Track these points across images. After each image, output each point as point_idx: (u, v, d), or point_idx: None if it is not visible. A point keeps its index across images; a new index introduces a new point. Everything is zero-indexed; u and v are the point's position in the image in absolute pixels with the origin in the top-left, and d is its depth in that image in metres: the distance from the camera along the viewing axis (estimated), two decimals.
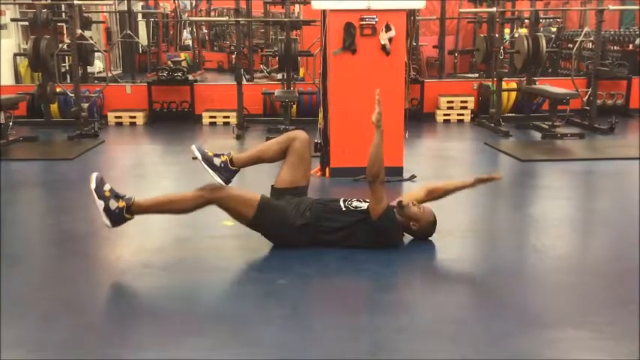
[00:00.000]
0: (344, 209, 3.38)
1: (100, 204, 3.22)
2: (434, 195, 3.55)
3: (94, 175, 3.28)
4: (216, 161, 3.46)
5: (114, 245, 3.49)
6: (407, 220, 3.39)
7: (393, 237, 3.37)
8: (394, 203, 3.40)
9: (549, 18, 10.64)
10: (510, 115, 7.79)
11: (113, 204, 3.22)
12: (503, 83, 7.45)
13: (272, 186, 3.53)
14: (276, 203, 3.38)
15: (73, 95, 7.08)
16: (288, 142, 3.50)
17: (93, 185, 3.25)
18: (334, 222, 3.33)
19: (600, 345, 2.39)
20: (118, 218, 3.23)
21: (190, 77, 8.56)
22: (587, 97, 7.34)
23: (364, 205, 3.39)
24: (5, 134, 6.32)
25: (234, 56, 8.46)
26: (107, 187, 3.27)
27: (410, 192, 3.51)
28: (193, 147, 3.52)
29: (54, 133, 7.18)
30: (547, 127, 6.90)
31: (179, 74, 8.24)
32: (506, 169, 5.63)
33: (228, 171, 3.47)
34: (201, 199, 3.24)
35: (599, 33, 7.37)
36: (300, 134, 3.54)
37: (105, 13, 11.65)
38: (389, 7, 4.82)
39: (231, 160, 3.49)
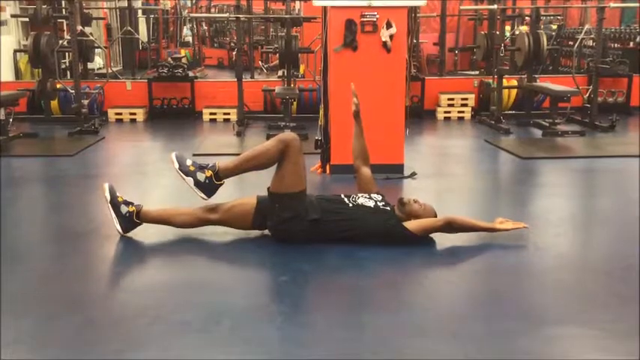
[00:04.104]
0: (350, 205, 3.40)
1: (190, 180, 3.31)
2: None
3: (174, 155, 3.36)
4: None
5: (114, 242, 3.48)
6: (408, 217, 3.39)
7: (395, 240, 3.37)
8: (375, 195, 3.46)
9: (550, 15, 10.63)
10: (511, 112, 7.77)
11: (201, 176, 3.29)
12: (504, 80, 7.44)
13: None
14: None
15: (73, 92, 7.08)
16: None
17: (176, 165, 3.33)
18: (340, 214, 3.34)
19: (601, 343, 2.38)
20: (210, 187, 3.31)
21: (190, 74, 8.56)
22: (587, 95, 7.34)
23: (371, 203, 3.42)
24: (5, 130, 6.32)
25: (234, 53, 8.44)
26: (189, 162, 3.36)
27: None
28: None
29: (54, 130, 7.18)
30: (548, 124, 6.89)
31: (179, 71, 8.24)
32: (506, 166, 5.64)
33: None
34: (280, 145, 3.25)
35: (600, 30, 7.36)
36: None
37: (105, 10, 11.63)
38: (390, 4, 4.82)
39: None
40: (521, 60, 7.46)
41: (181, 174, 3.34)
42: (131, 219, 3.45)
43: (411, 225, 3.34)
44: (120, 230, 3.46)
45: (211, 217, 3.43)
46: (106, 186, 3.48)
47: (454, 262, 3.25)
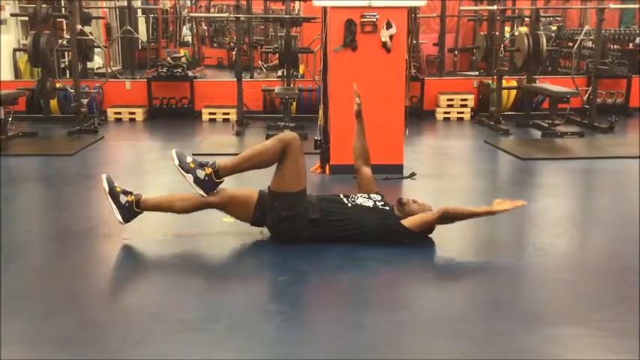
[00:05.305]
0: (349, 205, 3.39)
1: (189, 177, 3.31)
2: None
3: (174, 152, 3.36)
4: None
5: (113, 241, 3.48)
6: (407, 217, 3.39)
7: (394, 240, 3.37)
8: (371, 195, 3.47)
9: (549, 16, 10.63)
10: (510, 113, 7.77)
11: (201, 173, 3.30)
12: (504, 81, 7.44)
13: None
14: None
15: (72, 91, 7.07)
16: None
17: (176, 162, 3.33)
18: (339, 214, 3.34)
19: (600, 342, 2.39)
20: (209, 185, 3.31)
21: (190, 73, 8.56)
22: (587, 96, 7.34)
23: (370, 203, 3.42)
24: (5, 129, 6.31)
25: (234, 53, 8.45)
26: (189, 159, 3.36)
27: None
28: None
29: (53, 129, 7.17)
30: (547, 125, 6.90)
31: (179, 70, 8.24)
32: (506, 167, 5.64)
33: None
34: (280, 144, 3.26)
35: (599, 31, 7.37)
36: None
37: (105, 9, 11.63)
38: (390, 4, 4.82)
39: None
40: (521, 61, 7.47)
41: (181, 171, 3.34)
42: (131, 208, 3.42)
43: (408, 222, 3.33)
44: (120, 220, 3.42)
45: (212, 200, 3.37)
46: (104, 177, 3.46)
47: (453, 262, 3.25)
